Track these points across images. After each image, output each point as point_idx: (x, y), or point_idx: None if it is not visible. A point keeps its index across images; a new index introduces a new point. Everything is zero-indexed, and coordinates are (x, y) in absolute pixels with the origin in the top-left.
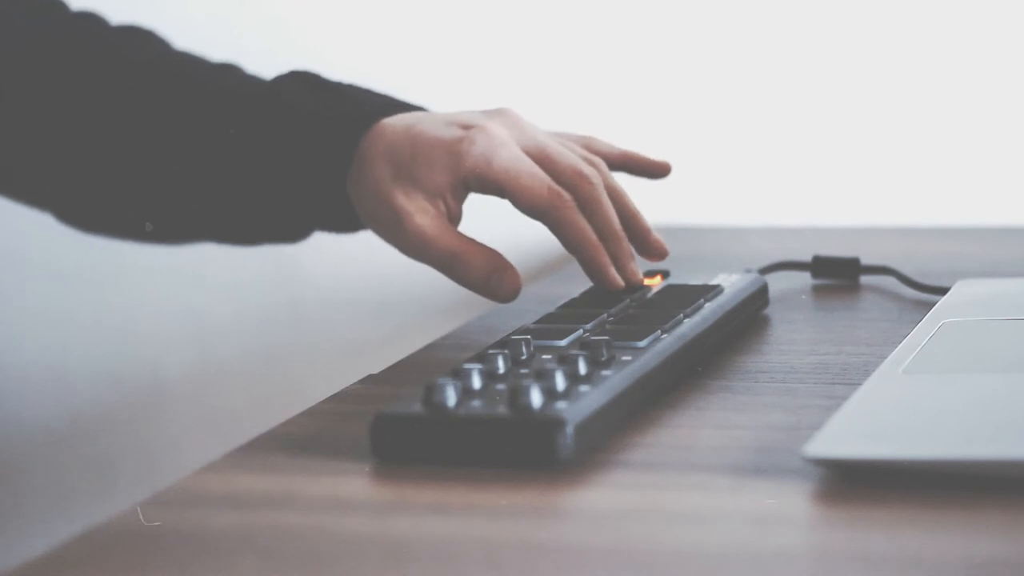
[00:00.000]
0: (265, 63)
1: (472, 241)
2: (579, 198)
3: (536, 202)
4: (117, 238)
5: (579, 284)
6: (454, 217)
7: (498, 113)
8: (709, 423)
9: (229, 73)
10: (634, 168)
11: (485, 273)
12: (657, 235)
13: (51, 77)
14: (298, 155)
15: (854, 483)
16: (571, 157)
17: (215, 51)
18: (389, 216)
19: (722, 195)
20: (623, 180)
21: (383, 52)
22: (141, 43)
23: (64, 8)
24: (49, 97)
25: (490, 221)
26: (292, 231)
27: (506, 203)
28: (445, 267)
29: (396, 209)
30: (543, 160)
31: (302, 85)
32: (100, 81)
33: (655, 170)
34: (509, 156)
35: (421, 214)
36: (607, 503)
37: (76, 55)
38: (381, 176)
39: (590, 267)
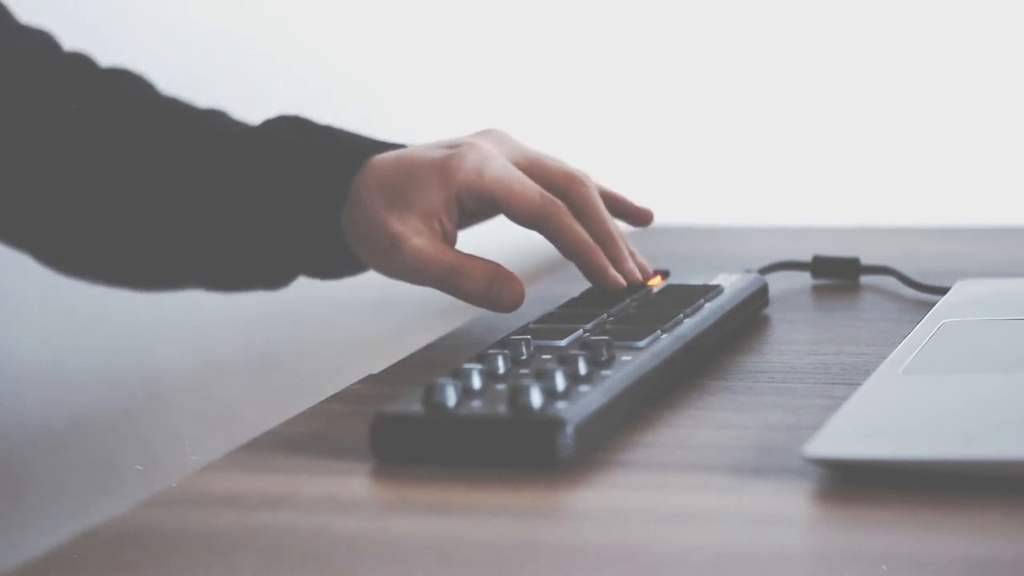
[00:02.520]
0: (266, 64)
1: (470, 255)
2: (572, 202)
3: (529, 210)
4: (96, 282)
5: (579, 284)
6: (449, 237)
7: (485, 133)
8: (709, 423)
9: (216, 118)
10: (618, 210)
11: (486, 284)
12: (641, 258)
13: (38, 118)
14: (291, 195)
15: (854, 483)
16: (562, 163)
17: (215, 54)
18: (385, 243)
19: (722, 195)
20: None
21: (384, 53)
22: (129, 87)
23: (56, 49)
24: (35, 139)
25: (487, 225)
26: (277, 276)
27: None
28: (445, 283)
29: (392, 234)
30: (533, 169)
31: (291, 128)
32: (87, 124)
33: (637, 216)
34: (499, 167)
35: (417, 236)
36: (607, 503)
37: (63, 98)
38: (375, 205)
39: (589, 270)
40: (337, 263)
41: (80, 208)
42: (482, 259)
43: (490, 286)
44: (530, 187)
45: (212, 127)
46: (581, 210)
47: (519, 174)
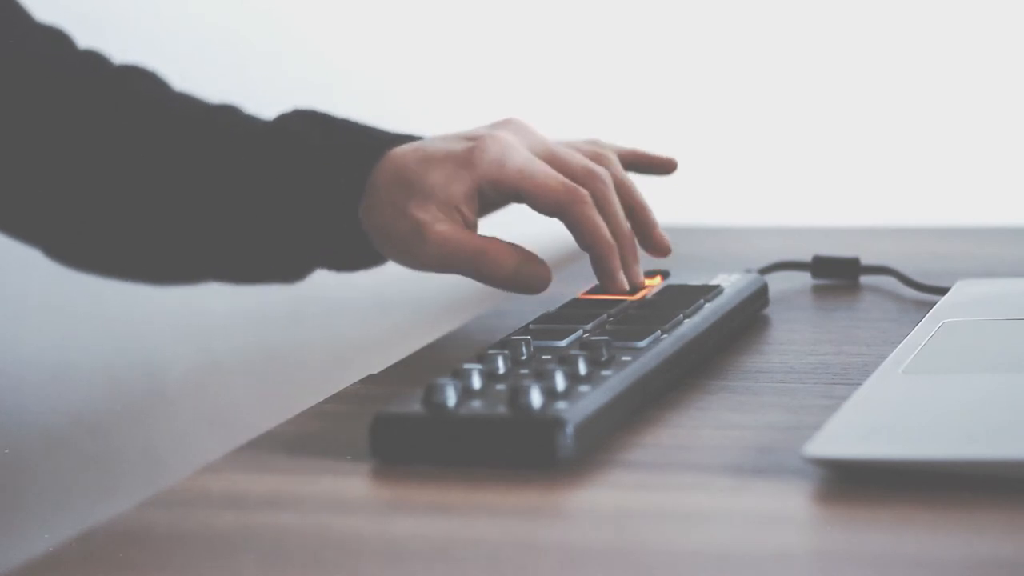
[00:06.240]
0: (268, 65)
1: (496, 239)
2: (591, 196)
3: (553, 198)
4: (108, 277)
5: (579, 284)
6: (471, 227)
7: (504, 123)
8: (709, 423)
9: (231, 113)
10: (641, 165)
11: (514, 266)
12: (662, 232)
13: (53, 116)
14: (309, 187)
15: (854, 483)
16: (581, 157)
17: (217, 53)
18: (408, 231)
19: (722, 195)
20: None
21: (386, 54)
22: (143, 83)
23: (71, 46)
24: (50, 135)
25: (486, 228)
26: (293, 270)
27: (499, 213)
28: (473, 267)
29: (415, 221)
30: (554, 161)
31: (308, 122)
32: (102, 120)
33: (662, 166)
34: (521, 158)
35: (440, 222)
36: (607, 503)
37: (78, 95)
38: (395, 197)
39: (601, 266)
40: (355, 255)
41: (96, 205)
42: (508, 243)
43: (518, 269)
44: (553, 176)
45: (228, 122)
46: (598, 204)
47: (541, 164)
